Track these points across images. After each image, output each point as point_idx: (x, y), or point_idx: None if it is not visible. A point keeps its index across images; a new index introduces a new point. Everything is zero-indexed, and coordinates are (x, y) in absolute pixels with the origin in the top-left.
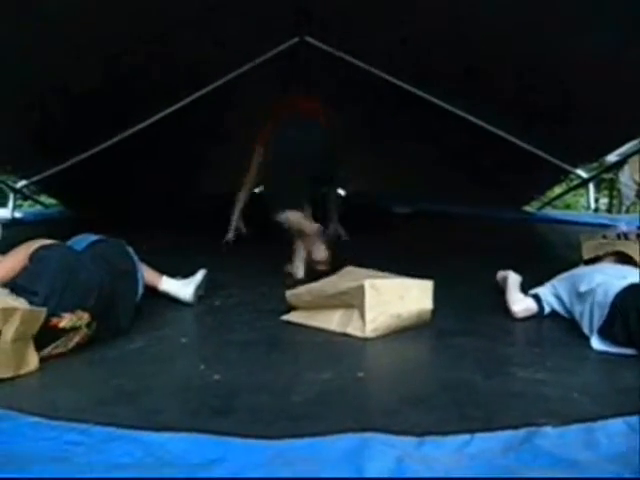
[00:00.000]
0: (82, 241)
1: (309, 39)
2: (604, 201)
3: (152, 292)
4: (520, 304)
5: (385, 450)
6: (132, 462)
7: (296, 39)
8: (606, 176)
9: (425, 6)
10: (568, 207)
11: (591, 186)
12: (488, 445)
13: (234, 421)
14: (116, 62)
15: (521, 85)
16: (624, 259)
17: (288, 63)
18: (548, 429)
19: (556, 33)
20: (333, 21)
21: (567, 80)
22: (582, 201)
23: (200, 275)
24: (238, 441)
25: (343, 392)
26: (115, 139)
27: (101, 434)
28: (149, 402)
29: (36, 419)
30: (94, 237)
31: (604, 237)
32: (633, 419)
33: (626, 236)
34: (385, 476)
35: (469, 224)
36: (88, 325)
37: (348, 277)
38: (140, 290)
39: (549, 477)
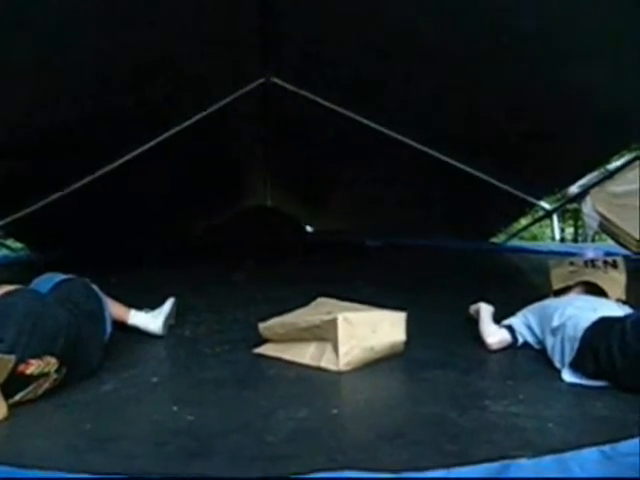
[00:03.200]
0: (46, 282)
1: (275, 79)
2: (570, 231)
3: (121, 326)
4: (495, 336)
5: None
6: None
7: (262, 80)
8: (570, 207)
9: (388, 46)
10: (535, 238)
11: (555, 217)
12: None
13: (210, 464)
14: (82, 105)
15: (485, 121)
16: (592, 288)
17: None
18: (523, 461)
19: (518, 69)
20: (300, 61)
21: (528, 115)
22: (548, 232)
23: (169, 305)
24: None
25: (318, 430)
26: (83, 181)
27: None
28: (122, 447)
29: (6, 468)
30: (58, 277)
31: (572, 264)
32: (606, 447)
33: (593, 263)
34: None
35: (439, 255)
36: (57, 370)
37: (321, 309)
38: (108, 329)
39: None
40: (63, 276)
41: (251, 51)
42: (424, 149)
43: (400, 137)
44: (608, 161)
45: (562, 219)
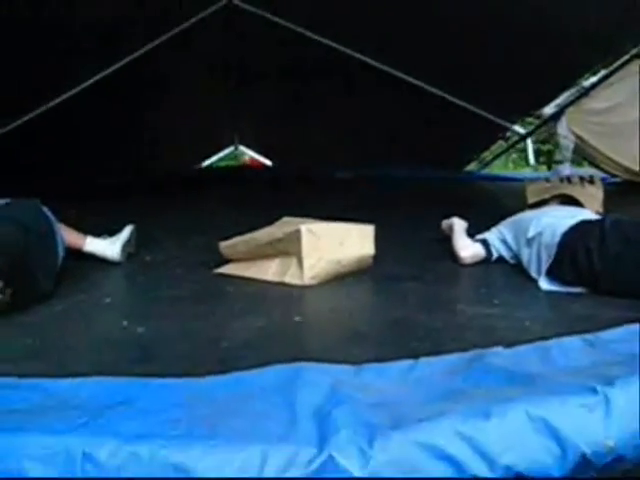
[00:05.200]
0: None
1: (236, 1)
2: (544, 168)
3: (78, 254)
4: (468, 250)
5: (318, 378)
6: (29, 407)
7: (223, 2)
8: (544, 148)
9: None
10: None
11: (529, 142)
12: (434, 369)
13: (155, 368)
14: (32, 30)
15: (455, 44)
16: (569, 202)
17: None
18: (500, 349)
19: None
20: None
21: (498, 34)
22: (521, 170)
23: (127, 231)
24: (151, 382)
25: (278, 335)
26: (37, 111)
27: None
28: (61, 357)
29: None
30: (4, 200)
31: (547, 181)
32: (589, 335)
33: (569, 180)
34: (318, 403)
35: (411, 185)
36: (2, 291)
37: (284, 226)
38: (61, 252)
39: None
40: (10, 199)
41: None
42: (394, 72)
43: (368, 60)
44: (583, 78)
45: (535, 157)
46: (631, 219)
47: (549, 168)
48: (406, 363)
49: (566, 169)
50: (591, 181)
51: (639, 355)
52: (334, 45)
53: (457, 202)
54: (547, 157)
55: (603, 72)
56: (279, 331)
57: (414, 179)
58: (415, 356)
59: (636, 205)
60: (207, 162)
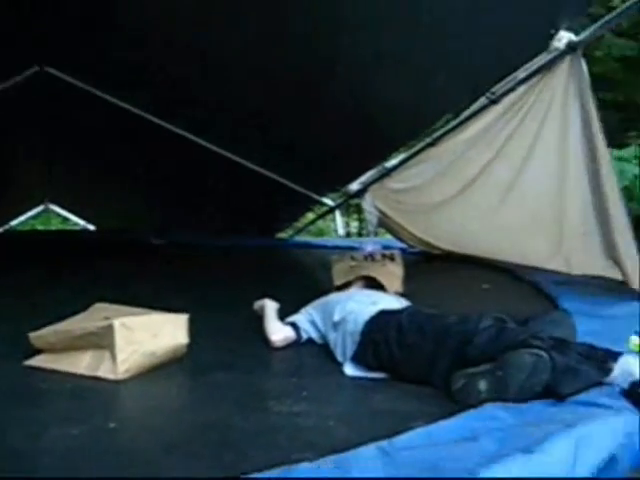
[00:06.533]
0: None
1: (50, 69)
2: (355, 225)
3: None
4: (279, 333)
5: None
6: None
7: (35, 68)
8: (354, 202)
9: (164, 39)
10: (322, 232)
11: (338, 213)
12: None
13: None
14: None
15: (268, 120)
16: (372, 282)
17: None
18: (304, 465)
19: (294, 72)
20: (76, 51)
21: (310, 117)
22: (334, 226)
23: None
24: None
25: (94, 447)
26: None
27: None
28: None
29: None
30: None
31: (353, 258)
32: (384, 443)
33: (372, 257)
34: None
35: (224, 253)
36: None
37: (97, 315)
38: None
39: None
40: None
41: (24, 38)
42: (208, 146)
43: (184, 133)
44: (386, 159)
45: (347, 213)
46: (425, 311)
47: (360, 222)
48: None
49: (369, 246)
50: (392, 258)
51: None
52: (150, 117)
53: (270, 272)
54: (357, 209)
55: (404, 155)
56: (95, 442)
57: (228, 246)
58: (225, 468)
59: (430, 272)
60: (16, 221)
